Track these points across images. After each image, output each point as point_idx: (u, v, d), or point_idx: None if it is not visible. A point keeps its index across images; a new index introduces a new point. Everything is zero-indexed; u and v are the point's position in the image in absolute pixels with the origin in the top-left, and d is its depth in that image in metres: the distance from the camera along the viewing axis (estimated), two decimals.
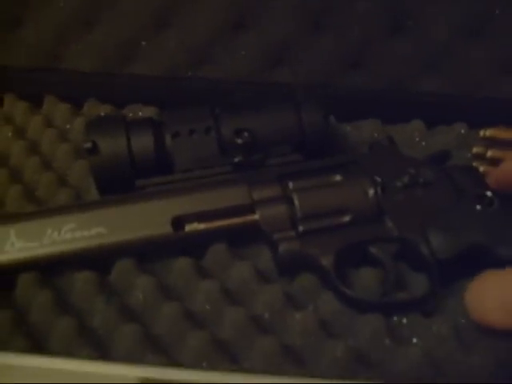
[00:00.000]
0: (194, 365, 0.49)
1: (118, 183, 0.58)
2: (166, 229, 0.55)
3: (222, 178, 0.58)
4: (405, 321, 0.53)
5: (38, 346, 0.52)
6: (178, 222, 0.55)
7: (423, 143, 0.73)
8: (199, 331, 0.51)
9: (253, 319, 0.52)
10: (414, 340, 0.52)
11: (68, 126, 0.76)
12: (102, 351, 0.51)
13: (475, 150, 0.70)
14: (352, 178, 0.57)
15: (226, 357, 0.50)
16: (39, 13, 0.79)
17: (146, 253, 0.57)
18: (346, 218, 0.56)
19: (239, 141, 0.58)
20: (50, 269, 0.56)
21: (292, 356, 0.50)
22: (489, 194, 0.56)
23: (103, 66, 0.80)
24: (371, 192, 0.56)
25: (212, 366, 0.49)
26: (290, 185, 0.57)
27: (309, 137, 0.61)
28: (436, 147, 0.69)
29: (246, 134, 0.58)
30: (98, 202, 0.57)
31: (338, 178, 0.58)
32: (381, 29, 0.73)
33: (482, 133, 0.71)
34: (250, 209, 0.56)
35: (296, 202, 0.56)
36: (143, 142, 0.59)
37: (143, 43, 0.78)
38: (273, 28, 0.74)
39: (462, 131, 0.73)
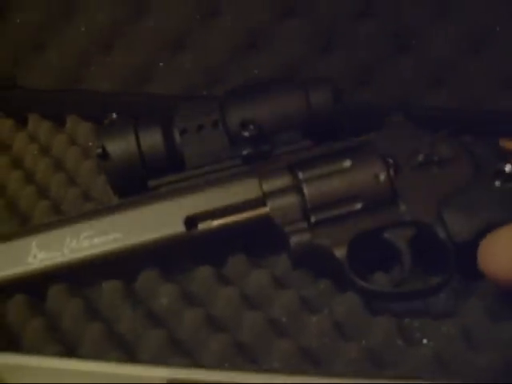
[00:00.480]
0: (217, 366, 0.52)
1: (131, 184, 0.60)
2: (180, 228, 0.56)
3: (232, 172, 0.58)
4: (416, 323, 0.56)
5: (70, 351, 0.55)
6: (191, 221, 0.56)
7: None
8: (221, 335, 0.54)
9: (271, 322, 0.55)
10: (425, 341, 0.55)
11: (90, 144, 0.79)
12: (129, 355, 0.54)
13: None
14: (362, 162, 0.56)
15: (247, 358, 0.53)
16: (62, 37, 0.82)
17: (162, 253, 0.59)
18: (358, 205, 0.55)
19: (245, 134, 0.58)
20: (73, 276, 0.59)
21: (309, 357, 0.53)
22: (508, 168, 0.54)
23: (122, 87, 0.84)
24: (383, 176, 0.55)
25: (234, 367, 0.52)
26: (300, 175, 0.56)
27: (318, 119, 0.60)
28: None
29: (251, 126, 0.58)
30: (113, 206, 0.59)
31: (347, 163, 0.56)
32: (386, 48, 0.76)
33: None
34: (261, 202, 0.56)
35: (306, 193, 0.55)
36: (153, 141, 0.60)
37: (160, 64, 0.81)
38: (285, 49, 0.77)
39: None
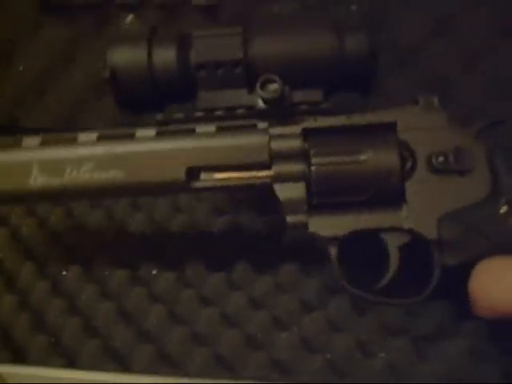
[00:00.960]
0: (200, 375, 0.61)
1: (139, 104, 0.60)
2: (181, 177, 0.55)
3: (243, 124, 0.56)
4: (375, 337, 0.64)
5: (70, 363, 0.63)
6: (192, 172, 0.55)
7: None
8: (203, 348, 0.63)
9: (247, 338, 0.64)
10: (382, 354, 0.63)
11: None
12: (123, 366, 0.62)
13: None
14: (379, 155, 0.53)
15: (226, 369, 0.62)
16: (60, 84, 0.92)
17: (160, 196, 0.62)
18: (363, 197, 0.53)
19: (265, 94, 0.54)
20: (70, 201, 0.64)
21: (279, 368, 0.62)
22: (503, 209, 0.52)
23: (112, 125, 0.93)
24: (396, 174, 0.53)
25: (214, 376, 0.60)
26: (312, 151, 0.54)
27: (348, 69, 0.57)
28: None
29: (273, 85, 0.54)
30: (118, 141, 0.57)
31: (364, 156, 0.53)
32: None
33: None
34: (266, 164, 0.54)
35: (313, 172, 0.53)
36: (166, 59, 0.57)
37: None
38: None
39: None
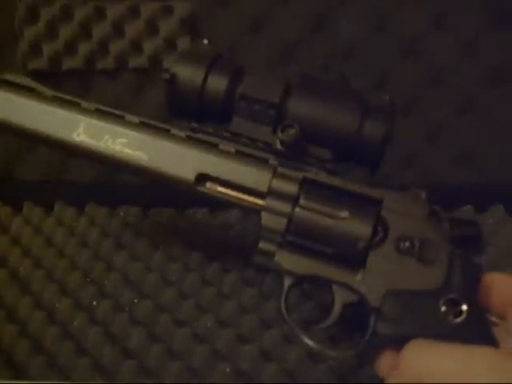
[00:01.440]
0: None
1: (182, 111, 0.68)
2: (190, 178, 0.63)
3: (259, 155, 0.63)
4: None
5: (65, 379, 0.75)
6: (201, 178, 0.63)
7: None
8: (177, 362, 0.76)
9: (214, 352, 0.77)
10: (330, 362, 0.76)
11: (74, 224, 1.01)
12: (110, 379, 0.75)
13: None
14: (355, 221, 0.58)
15: (197, 379, 0.75)
16: None
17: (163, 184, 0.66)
18: (329, 251, 0.59)
19: (283, 136, 0.62)
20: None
21: (242, 376, 0.75)
22: (464, 308, 0.56)
23: (99, 177, 1.07)
24: (363, 243, 0.58)
25: None
26: (303, 196, 0.60)
27: (358, 148, 0.64)
28: None
29: (292, 130, 0.61)
30: (154, 130, 0.65)
31: (343, 214, 0.59)
32: None
33: None
34: (262, 195, 0.61)
35: (297, 215, 0.59)
36: (217, 87, 0.66)
37: None
38: None
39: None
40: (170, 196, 1.02)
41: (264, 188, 0.61)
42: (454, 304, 0.56)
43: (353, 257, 0.58)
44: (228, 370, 0.75)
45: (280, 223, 0.60)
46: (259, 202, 0.61)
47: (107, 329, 0.81)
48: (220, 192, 0.63)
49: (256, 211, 0.61)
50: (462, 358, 0.50)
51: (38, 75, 1.00)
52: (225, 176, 0.62)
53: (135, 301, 0.85)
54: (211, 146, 0.63)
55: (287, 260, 0.60)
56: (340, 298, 0.60)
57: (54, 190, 1.07)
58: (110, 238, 0.96)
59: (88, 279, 0.90)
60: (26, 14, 0.98)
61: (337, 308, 0.60)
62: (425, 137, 0.97)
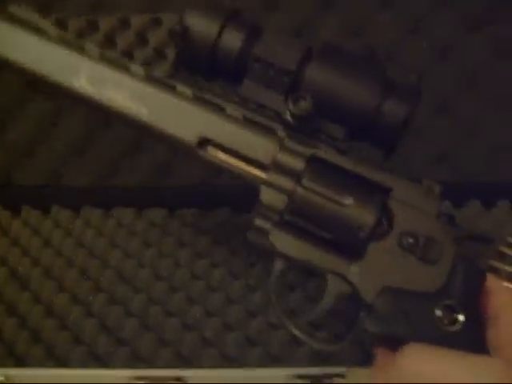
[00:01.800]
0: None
1: (195, 66, 0.65)
2: (192, 140, 0.59)
3: (266, 124, 0.59)
4: None
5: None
6: (203, 141, 0.59)
7: None
8: (168, 348, 0.82)
9: (203, 339, 0.83)
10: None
11: (70, 226, 1.07)
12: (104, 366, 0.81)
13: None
14: (359, 209, 0.55)
15: (186, 363, 0.81)
16: (46, 145, 1.11)
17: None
18: (327, 236, 0.55)
19: (294, 109, 0.56)
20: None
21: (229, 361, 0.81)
22: (460, 318, 0.53)
23: (94, 181, 1.13)
24: (363, 234, 0.55)
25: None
26: (307, 175, 0.56)
27: (379, 130, 0.59)
28: None
29: (305, 103, 0.56)
30: (159, 85, 0.62)
31: (347, 201, 0.55)
32: None
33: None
34: (265, 167, 0.58)
35: (298, 194, 0.56)
36: (232, 43, 0.61)
37: (123, 163, 1.11)
38: None
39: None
40: (162, 198, 1.09)
41: (268, 160, 0.57)
42: (451, 311, 0.53)
43: (351, 246, 0.55)
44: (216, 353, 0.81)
45: (280, 200, 0.56)
46: (261, 174, 0.58)
47: (102, 321, 0.87)
48: (221, 159, 0.59)
49: (256, 184, 0.58)
50: (468, 367, 0.47)
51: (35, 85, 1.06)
52: (228, 142, 0.58)
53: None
54: (218, 109, 0.59)
55: (282, 241, 0.57)
56: (333, 288, 0.56)
57: (50, 195, 1.12)
58: (105, 238, 1.02)
59: (84, 276, 0.95)
60: None
61: (328, 299, 0.57)
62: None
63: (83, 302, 0.90)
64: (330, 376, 0.76)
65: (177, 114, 0.60)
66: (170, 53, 1.01)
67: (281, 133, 0.58)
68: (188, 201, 1.09)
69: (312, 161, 0.57)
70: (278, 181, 0.57)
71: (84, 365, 0.80)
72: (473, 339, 0.53)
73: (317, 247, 0.56)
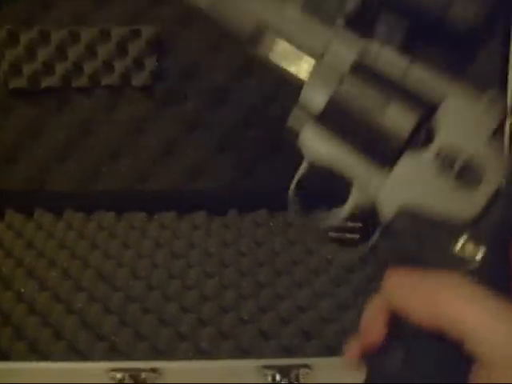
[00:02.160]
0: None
1: None
2: (249, 28, 0.55)
3: (326, 14, 0.53)
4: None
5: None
6: (259, 31, 0.55)
7: None
8: (144, 343, 0.87)
9: (200, 321, 0.88)
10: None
11: (53, 229, 1.12)
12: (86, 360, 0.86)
13: None
14: (400, 114, 0.48)
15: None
16: (30, 152, 1.17)
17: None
18: (359, 140, 0.49)
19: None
20: None
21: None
22: (479, 254, 0.43)
23: (76, 186, 1.18)
24: (398, 142, 0.47)
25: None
26: (355, 70, 0.50)
27: (444, 31, 0.50)
28: None
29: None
30: None
31: (388, 105, 0.48)
32: None
33: None
34: (315, 56, 0.52)
35: (340, 93, 0.50)
36: None
37: (103, 169, 1.16)
38: None
39: None
40: (141, 202, 1.15)
41: (320, 49, 0.52)
42: (474, 245, 0.44)
43: (382, 154, 0.48)
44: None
45: (319, 99, 0.51)
46: (308, 68, 0.53)
47: (83, 317, 0.92)
48: (272, 53, 0.54)
49: (299, 80, 0.53)
50: (495, 309, 0.39)
51: (18, 93, 1.12)
52: (285, 29, 0.54)
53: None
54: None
55: (312, 142, 0.51)
56: (354, 199, 0.51)
57: (34, 199, 1.18)
58: (86, 240, 1.07)
59: (66, 276, 1.00)
60: (7, 37, 1.09)
61: (346, 208, 0.52)
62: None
63: (65, 300, 0.95)
64: (298, 367, 0.81)
65: (239, 3, 0.55)
66: (149, 63, 1.08)
67: (337, 24, 0.52)
68: (166, 204, 1.14)
69: (364, 54, 0.50)
70: (323, 75, 0.51)
71: (65, 359, 0.85)
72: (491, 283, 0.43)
73: (346, 152, 0.50)
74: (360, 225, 1.01)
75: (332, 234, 1.02)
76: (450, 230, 0.45)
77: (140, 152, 1.15)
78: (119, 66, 1.11)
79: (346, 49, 0.51)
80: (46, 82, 1.12)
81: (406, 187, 0.48)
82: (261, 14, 0.55)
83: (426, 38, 0.53)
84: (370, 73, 0.50)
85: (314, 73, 0.52)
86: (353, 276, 0.98)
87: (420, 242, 0.46)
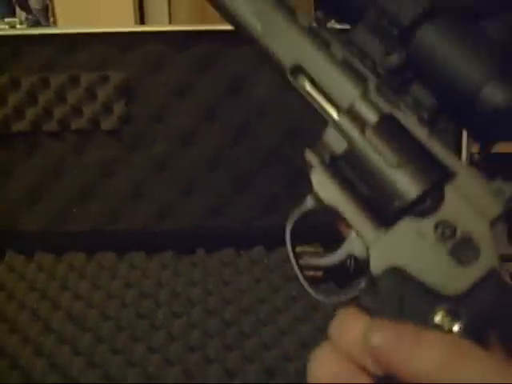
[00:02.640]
0: None
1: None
2: (287, 65, 0.57)
3: (360, 71, 0.55)
4: None
5: None
6: (297, 69, 0.57)
7: None
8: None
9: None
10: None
11: (24, 271, 1.15)
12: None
13: None
14: (410, 177, 0.49)
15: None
16: (0, 190, 1.19)
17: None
18: (366, 193, 0.51)
19: (384, 59, 0.53)
20: None
21: None
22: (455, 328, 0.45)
23: (47, 227, 1.21)
24: (401, 204, 0.49)
25: None
26: (375, 129, 0.52)
27: (471, 111, 0.51)
28: None
29: (396, 56, 0.53)
30: (281, 8, 0.60)
31: (402, 166, 0.50)
32: None
33: None
34: (341, 109, 0.54)
35: (360, 144, 0.52)
36: None
37: (74, 210, 1.20)
38: None
39: None
40: (111, 242, 1.18)
41: (346, 104, 0.54)
42: (453, 317, 0.46)
43: (384, 212, 0.50)
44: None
45: (339, 144, 0.53)
46: (334, 114, 0.55)
47: (52, 360, 0.94)
48: (306, 90, 0.57)
49: (326, 121, 0.55)
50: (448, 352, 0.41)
51: None
52: (318, 77, 0.56)
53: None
54: (323, 43, 0.57)
55: (321, 181, 0.53)
56: (348, 245, 0.51)
57: (4, 240, 1.20)
58: (56, 281, 1.10)
59: (36, 317, 1.03)
60: None
61: (339, 253, 0.52)
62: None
63: (34, 342, 0.97)
64: None
65: (284, 37, 0.58)
66: (117, 108, 1.12)
67: (370, 83, 0.54)
68: (135, 244, 1.18)
69: (386, 118, 0.52)
70: (346, 126, 0.53)
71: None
72: None
73: (352, 200, 0.51)
74: None
75: (296, 272, 1.04)
76: (432, 299, 0.46)
77: (109, 193, 1.18)
78: (88, 110, 1.15)
79: (370, 110, 0.53)
80: (16, 127, 1.15)
81: (399, 249, 0.49)
82: (299, 54, 0.57)
83: (451, 113, 0.54)
84: (390, 135, 0.52)
85: (339, 121, 0.54)
86: (316, 314, 1.01)
87: (401, 304, 0.47)
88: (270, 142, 1.17)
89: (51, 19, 1.91)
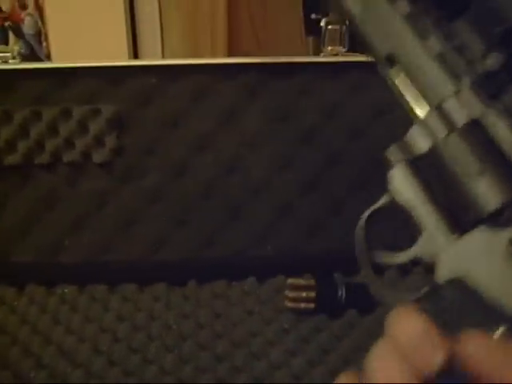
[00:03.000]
0: None
1: None
2: (382, 54, 0.56)
3: (456, 67, 0.52)
4: None
5: None
6: (392, 59, 0.55)
7: None
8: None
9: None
10: None
11: (16, 303, 1.15)
12: None
13: None
14: (490, 189, 0.47)
15: None
16: None
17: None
18: (442, 197, 0.50)
19: (481, 60, 0.51)
20: None
21: None
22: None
23: (38, 258, 1.21)
24: (478, 214, 0.47)
25: None
26: (462, 132, 0.49)
27: None
28: None
29: (493, 59, 0.50)
30: None
31: (484, 174, 0.48)
32: None
33: None
34: (430, 105, 0.53)
35: (444, 146, 0.50)
36: None
37: (66, 242, 1.20)
38: None
39: None
40: (102, 274, 1.18)
41: (436, 101, 0.52)
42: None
43: (459, 219, 0.48)
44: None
45: (423, 144, 0.51)
46: (421, 112, 0.53)
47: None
48: (397, 82, 0.55)
49: (408, 112, 0.54)
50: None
51: None
52: (412, 69, 0.54)
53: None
54: (421, 35, 0.54)
55: (400, 180, 0.52)
56: (417, 247, 0.51)
57: None
58: (48, 315, 1.10)
59: (27, 352, 1.02)
60: None
61: (408, 254, 0.52)
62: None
63: (25, 379, 0.97)
64: None
65: (383, 25, 0.56)
66: (109, 140, 1.13)
67: (465, 81, 0.52)
68: (127, 276, 1.18)
69: (475, 122, 0.50)
70: (433, 125, 0.51)
71: None
72: None
73: (429, 202, 0.50)
74: (314, 295, 1.06)
75: (288, 304, 1.06)
76: (495, 316, 0.44)
77: (101, 225, 1.19)
78: (80, 143, 1.16)
79: (460, 110, 0.50)
80: (8, 160, 1.16)
81: (469, 260, 0.47)
82: (396, 44, 0.55)
83: None
84: (478, 139, 0.49)
85: (427, 118, 0.52)
86: (308, 346, 1.01)
87: (462, 317, 0.45)
88: (261, 173, 1.18)
89: (44, 44, 1.92)
